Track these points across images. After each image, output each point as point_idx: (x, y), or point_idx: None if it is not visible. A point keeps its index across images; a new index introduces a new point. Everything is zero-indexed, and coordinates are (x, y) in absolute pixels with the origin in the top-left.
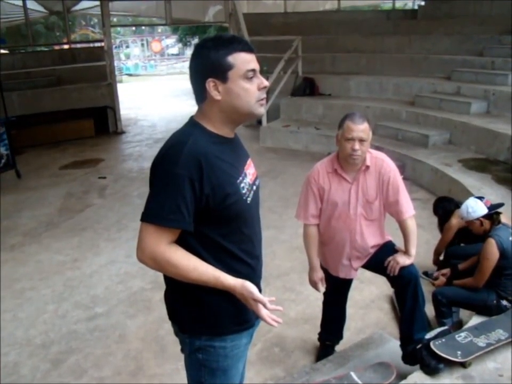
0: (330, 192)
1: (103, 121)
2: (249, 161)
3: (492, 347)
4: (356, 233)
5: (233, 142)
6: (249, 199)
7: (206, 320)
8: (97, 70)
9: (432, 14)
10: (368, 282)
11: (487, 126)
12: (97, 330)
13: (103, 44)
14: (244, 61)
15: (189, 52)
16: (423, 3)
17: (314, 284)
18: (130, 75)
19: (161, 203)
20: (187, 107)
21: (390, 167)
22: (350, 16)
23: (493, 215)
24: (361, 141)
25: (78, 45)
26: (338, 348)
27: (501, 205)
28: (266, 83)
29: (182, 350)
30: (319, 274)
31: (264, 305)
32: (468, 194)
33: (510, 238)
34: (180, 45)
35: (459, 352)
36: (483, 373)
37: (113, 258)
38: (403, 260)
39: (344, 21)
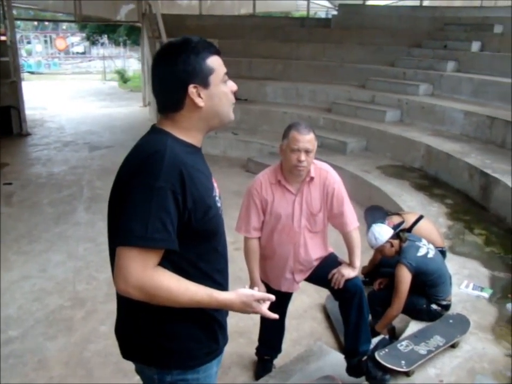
0: (273, 204)
1: (6, 122)
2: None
3: (432, 354)
4: (300, 246)
5: (201, 152)
6: (221, 212)
7: (177, 352)
8: None
9: (344, 24)
10: (299, 291)
11: (402, 134)
12: (12, 357)
13: (5, 38)
14: (220, 64)
15: (95, 51)
16: (335, 13)
17: None
18: (32, 73)
19: (144, 221)
20: (95, 109)
21: (335, 178)
22: (265, 22)
23: (399, 233)
24: (307, 152)
25: None
26: (276, 362)
27: (401, 223)
28: (236, 86)
29: None
30: (261, 288)
31: (269, 299)
32: (389, 200)
33: (418, 253)
34: (87, 43)
35: (403, 362)
36: (425, 379)
37: (26, 274)
38: (348, 272)
39: (259, 26)
